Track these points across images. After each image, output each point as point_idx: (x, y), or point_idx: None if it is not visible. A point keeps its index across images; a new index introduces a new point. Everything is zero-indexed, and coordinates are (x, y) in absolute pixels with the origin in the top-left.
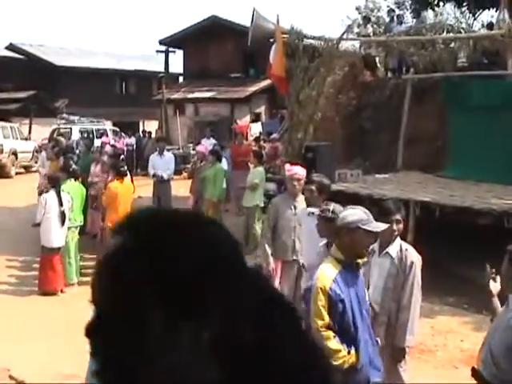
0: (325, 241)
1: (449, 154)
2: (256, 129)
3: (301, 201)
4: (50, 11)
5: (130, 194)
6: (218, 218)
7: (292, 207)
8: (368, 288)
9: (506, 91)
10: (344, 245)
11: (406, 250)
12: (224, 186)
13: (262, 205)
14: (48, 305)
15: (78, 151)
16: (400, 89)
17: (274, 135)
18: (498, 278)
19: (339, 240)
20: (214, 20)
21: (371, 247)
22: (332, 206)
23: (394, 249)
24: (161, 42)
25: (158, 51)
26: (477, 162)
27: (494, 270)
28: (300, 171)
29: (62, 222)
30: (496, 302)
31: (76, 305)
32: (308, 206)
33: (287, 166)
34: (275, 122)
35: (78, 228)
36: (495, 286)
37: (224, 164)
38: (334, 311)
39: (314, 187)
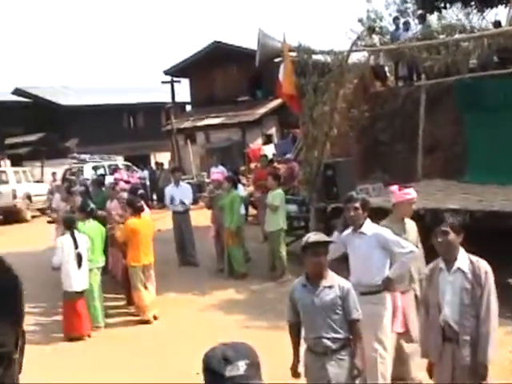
0: None
1: (468, 158)
2: (268, 151)
3: (410, 225)
4: (52, 52)
5: (150, 229)
6: (240, 245)
7: (403, 232)
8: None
9: None
10: None
11: (477, 261)
12: (243, 212)
13: (286, 227)
14: (76, 350)
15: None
16: (413, 96)
17: (289, 155)
18: None
19: None
20: (216, 46)
21: (438, 265)
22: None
23: (464, 263)
24: (166, 73)
25: (163, 82)
26: (497, 165)
27: None
28: (414, 193)
29: (79, 265)
30: None
31: (105, 348)
32: (353, 224)
33: (395, 188)
34: (287, 143)
35: (101, 269)
36: None
37: (240, 190)
38: None
39: (358, 204)
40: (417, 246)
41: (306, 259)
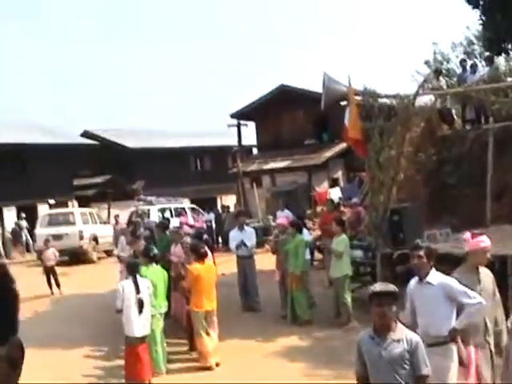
0: None
1: None
2: (335, 194)
3: (485, 274)
4: (119, 96)
5: (213, 275)
6: (304, 290)
7: (477, 282)
8: None
9: None
10: None
11: None
12: (308, 256)
13: (351, 273)
14: None
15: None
16: (481, 140)
17: (355, 200)
18: None
19: None
20: (282, 89)
21: None
22: None
23: None
24: (232, 116)
25: (229, 125)
26: None
27: None
28: (488, 241)
29: (140, 310)
30: None
31: None
32: (418, 273)
33: (468, 235)
34: (354, 186)
35: (163, 314)
36: None
37: (305, 234)
38: None
39: (422, 253)
40: (494, 296)
41: (371, 309)
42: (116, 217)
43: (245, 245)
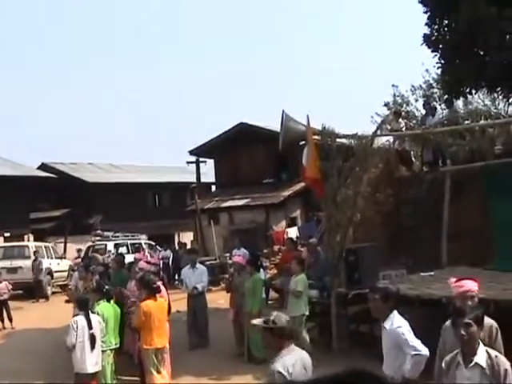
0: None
1: (494, 246)
2: (293, 233)
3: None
4: (77, 129)
5: (164, 312)
6: (261, 329)
7: None
8: None
9: None
10: None
11: (496, 356)
12: (264, 296)
13: (308, 313)
14: None
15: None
16: (438, 182)
17: (313, 239)
18: None
19: None
20: (242, 127)
21: (455, 358)
22: (274, 315)
23: (482, 358)
24: (191, 153)
25: (188, 162)
26: None
27: None
28: (473, 286)
29: (93, 346)
30: None
31: None
32: (374, 316)
33: (452, 279)
34: (311, 225)
35: (114, 350)
36: None
37: (261, 273)
38: None
39: (377, 296)
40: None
41: None
42: (79, 251)
43: (196, 288)
